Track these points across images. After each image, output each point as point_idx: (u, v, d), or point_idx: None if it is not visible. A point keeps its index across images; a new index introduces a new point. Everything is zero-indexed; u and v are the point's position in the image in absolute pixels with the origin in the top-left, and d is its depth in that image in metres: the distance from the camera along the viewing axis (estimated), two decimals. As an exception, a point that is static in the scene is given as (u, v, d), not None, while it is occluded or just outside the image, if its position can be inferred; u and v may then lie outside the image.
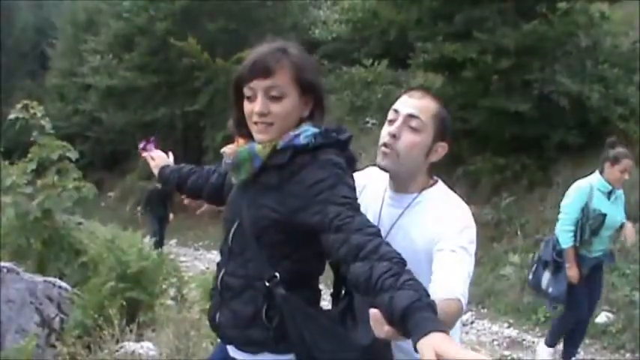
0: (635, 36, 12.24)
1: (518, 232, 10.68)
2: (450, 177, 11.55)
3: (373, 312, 1.85)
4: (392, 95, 12.16)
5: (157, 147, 3.35)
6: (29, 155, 6.30)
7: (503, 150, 11.63)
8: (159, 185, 13.43)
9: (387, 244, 2.00)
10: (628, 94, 11.09)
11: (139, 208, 15.32)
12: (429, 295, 1.81)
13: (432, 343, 1.64)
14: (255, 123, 2.26)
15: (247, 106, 2.28)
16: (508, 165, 11.41)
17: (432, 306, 1.77)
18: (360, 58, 13.76)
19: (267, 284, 2.22)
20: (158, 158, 3.27)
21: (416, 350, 1.68)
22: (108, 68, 22.50)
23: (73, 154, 6.37)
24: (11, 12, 36.14)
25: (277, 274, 2.22)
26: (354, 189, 2.21)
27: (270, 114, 2.23)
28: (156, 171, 3.23)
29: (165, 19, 20.88)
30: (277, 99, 2.23)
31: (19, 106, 6.37)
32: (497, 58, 10.90)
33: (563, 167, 11.29)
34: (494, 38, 10.92)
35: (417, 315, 1.73)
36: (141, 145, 3.34)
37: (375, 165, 2.58)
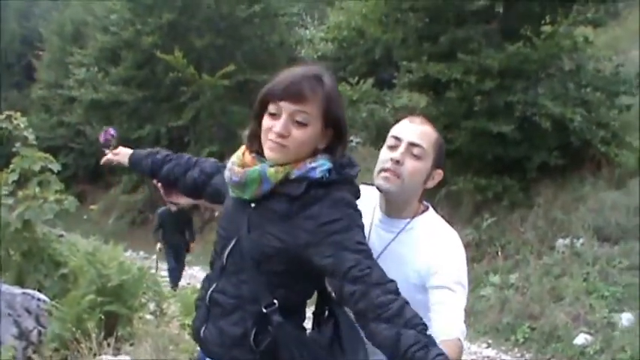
0: (618, 60, 12.37)
1: (499, 253, 10.73)
2: (432, 197, 11.59)
3: None
4: (376, 114, 12.23)
5: (117, 135, 3.23)
6: (11, 166, 6.28)
7: (485, 171, 11.68)
8: (172, 207, 11.50)
9: (408, 305, 2.04)
10: (610, 117, 11.20)
11: (158, 237, 12.61)
12: None
13: None
14: (271, 140, 2.21)
15: (268, 122, 2.23)
16: (490, 186, 11.45)
17: None
18: (346, 76, 13.82)
19: (264, 310, 2.21)
20: (121, 151, 3.12)
21: None
22: (93, 81, 22.44)
23: (55, 166, 6.34)
24: (-2, 22, 36.07)
25: (276, 302, 2.22)
26: (364, 230, 2.22)
27: (289, 137, 2.19)
28: (125, 161, 3.07)
29: (152, 34, 20.86)
30: (301, 125, 2.19)
31: (2, 116, 6.35)
32: (481, 79, 10.97)
33: (544, 188, 11.36)
34: (479, 59, 10.99)
35: None
36: (102, 139, 3.20)
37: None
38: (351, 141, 16.24)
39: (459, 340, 2.23)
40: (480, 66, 10.98)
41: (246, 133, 2.39)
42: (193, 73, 19.40)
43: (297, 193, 2.19)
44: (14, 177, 6.21)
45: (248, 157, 2.33)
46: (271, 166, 2.23)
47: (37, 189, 6.18)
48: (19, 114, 6.43)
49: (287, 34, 22.39)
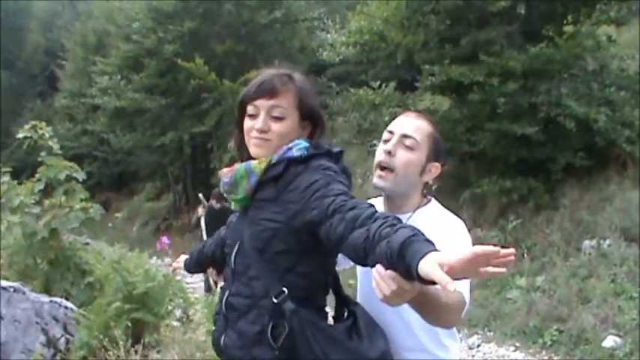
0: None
1: (525, 255, 10.64)
2: (456, 200, 11.55)
3: (377, 268, 1.83)
4: (399, 118, 12.20)
5: (170, 239, 3.48)
6: (37, 175, 6.32)
7: (509, 173, 11.62)
8: (215, 204, 11.83)
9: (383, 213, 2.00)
10: (634, 116, 11.11)
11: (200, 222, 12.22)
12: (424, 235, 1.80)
13: (432, 258, 1.65)
14: (254, 137, 2.35)
15: (248, 123, 2.38)
16: (515, 188, 11.39)
17: (429, 240, 1.77)
18: (368, 80, 13.81)
19: (274, 301, 2.24)
20: (181, 259, 3.29)
21: (420, 279, 1.68)
22: (116, 89, 22.54)
23: (80, 175, 6.38)
24: (22, 33, 36.42)
25: (285, 289, 2.24)
26: (347, 186, 2.24)
27: (269, 132, 2.34)
28: (182, 266, 3.24)
29: (174, 42, 20.91)
30: (279, 119, 2.34)
31: (27, 126, 6.40)
32: (503, 81, 10.92)
33: (569, 190, 11.28)
34: (501, 61, 10.95)
35: (414, 246, 1.73)
36: (158, 247, 3.48)
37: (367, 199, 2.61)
38: (374, 145, 16.25)
39: (461, 294, 2.17)
40: (503, 68, 10.94)
41: (231, 144, 2.54)
42: (215, 80, 19.45)
43: (277, 172, 2.29)
44: (40, 186, 6.26)
45: (236, 166, 2.43)
46: (255, 157, 2.37)
47: (63, 198, 6.22)
48: (44, 124, 6.47)
49: (308, 39, 22.40)
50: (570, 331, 8.65)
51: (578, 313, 8.85)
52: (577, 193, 11.18)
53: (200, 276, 14.76)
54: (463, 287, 2.20)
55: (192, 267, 3.18)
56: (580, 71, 11.89)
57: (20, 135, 6.33)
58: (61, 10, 39.68)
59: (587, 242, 10.15)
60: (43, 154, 6.32)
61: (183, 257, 3.26)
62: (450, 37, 12.04)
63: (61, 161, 6.38)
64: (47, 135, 6.36)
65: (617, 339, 8.17)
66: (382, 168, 2.52)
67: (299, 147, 2.31)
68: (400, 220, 1.92)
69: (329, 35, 18.57)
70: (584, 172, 11.24)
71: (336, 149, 2.40)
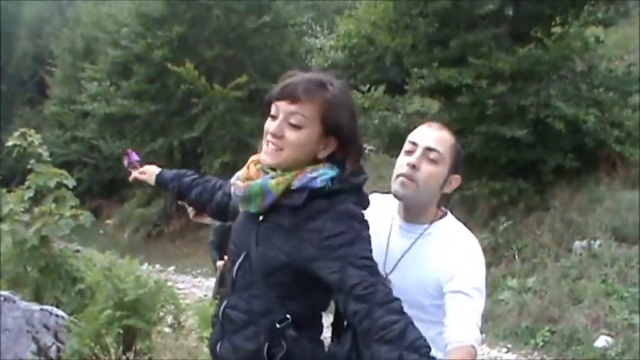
0: (629, 60, 12.32)
1: (516, 257, 10.67)
2: (447, 202, 11.55)
3: None
4: (389, 120, 12.21)
5: (139, 156, 3.31)
6: (27, 183, 6.30)
7: (499, 174, 11.65)
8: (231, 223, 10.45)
9: (412, 325, 1.98)
10: (623, 117, 11.14)
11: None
12: None
13: None
14: (267, 143, 2.21)
15: (267, 124, 2.22)
16: (505, 189, 11.41)
17: None
18: (357, 84, 13.81)
19: (277, 325, 2.19)
20: (147, 170, 3.19)
21: None
22: (106, 96, 22.51)
23: (70, 182, 6.36)
24: (10, 40, 36.26)
25: (289, 316, 2.19)
26: (370, 242, 2.16)
27: (283, 139, 2.18)
28: (152, 180, 3.15)
29: (163, 47, 20.91)
30: (295, 127, 2.16)
31: (16, 134, 6.38)
32: (492, 83, 10.94)
33: (560, 191, 11.32)
34: (490, 63, 10.97)
35: None
36: (125, 163, 3.29)
37: (373, 192, 2.60)
38: (364, 148, 16.25)
39: (473, 347, 2.22)
40: (491, 70, 10.96)
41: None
42: (205, 85, 19.44)
43: (298, 203, 2.16)
44: (30, 194, 6.23)
45: (253, 170, 2.32)
46: (272, 178, 2.21)
47: (53, 205, 6.20)
48: (32, 131, 6.45)
49: (297, 44, 22.39)
50: (562, 331, 8.67)
51: (569, 314, 8.87)
52: (567, 194, 11.21)
53: (192, 281, 14.78)
54: (472, 330, 2.27)
55: (168, 191, 3.09)
56: (568, 72, 11.94)
57: (9, 143, 6.31)
58: (49, 16, 39.53)
59: (577, 243, 10.18)
60: (32, 161, 6.30)
61: (152, 170, 3.16)
62: (439, 40, 12.06)
63: (51, 168, 6.36)
64: (36, 142, 6.33)
65: (609, 339, 8.19)
66: (405, 177, 2.49)
67: (323, 177, 2.16)
68: (428, 351, 1.94)
69: (317, 40, 18.58)
70: (574, 173, 11.28)
71: (360, 179, 2.24)
